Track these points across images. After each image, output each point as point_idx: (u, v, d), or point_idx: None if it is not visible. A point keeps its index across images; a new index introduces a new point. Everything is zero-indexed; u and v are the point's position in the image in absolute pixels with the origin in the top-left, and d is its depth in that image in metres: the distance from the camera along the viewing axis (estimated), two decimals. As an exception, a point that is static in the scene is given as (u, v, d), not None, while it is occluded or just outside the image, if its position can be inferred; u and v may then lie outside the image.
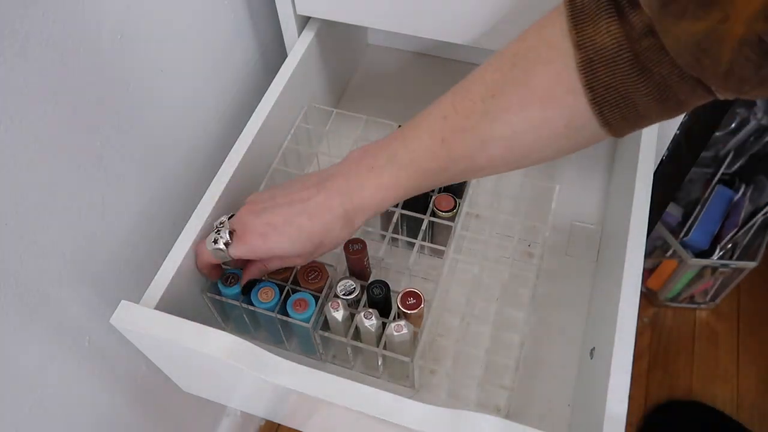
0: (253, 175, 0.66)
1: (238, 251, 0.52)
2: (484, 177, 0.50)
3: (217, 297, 0.58)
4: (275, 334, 0.63)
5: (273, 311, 0.57)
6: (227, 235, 0.52)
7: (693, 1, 0.32)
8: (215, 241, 0.52)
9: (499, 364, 0.62)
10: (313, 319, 0.57)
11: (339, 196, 0.49)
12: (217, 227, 0.53)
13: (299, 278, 0.59)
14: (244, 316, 0.60)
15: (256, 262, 0.56)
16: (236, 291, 0.58)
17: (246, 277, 0.57)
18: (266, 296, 0.58)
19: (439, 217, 0.64)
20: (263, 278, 0.59)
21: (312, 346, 0.62)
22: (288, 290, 0.59)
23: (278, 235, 0.50)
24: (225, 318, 0.65)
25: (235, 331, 0.66)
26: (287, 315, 0.57)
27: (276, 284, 0.59)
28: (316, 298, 0.58)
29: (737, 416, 1.28)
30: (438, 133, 0.46)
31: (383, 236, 0.64)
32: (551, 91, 0.40)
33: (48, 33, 0.46)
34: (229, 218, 0.54)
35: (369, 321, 0.56)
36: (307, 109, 0.73)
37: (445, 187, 0.66)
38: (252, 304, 0.58)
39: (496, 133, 0.43)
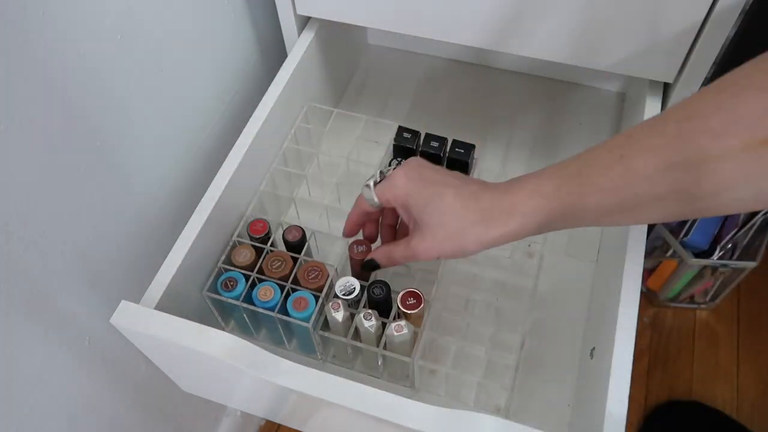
0: (253, 175, 0.66)
1: (381, 189, 0.50)
2: (668, 220, 0.42)
3: (217, 296, 0.58)
4: (276, 334, 0.63)
5: (273, 310, 0.57)
6: (379, 176, 0.51)
7: None
8: (369, 180, 0.51)
9: (499, 364, 0.62)
10: (313, 318, 0.57)
11: (491, 192, 0.45)
12: (377, 173, 0.52)
13: (299, 277, 0.59)
14: (245, 315, 0.60)
15: (390, 246, 0.52)
16: (235, 294, 0.58)
17: (372, 255, 0.54)
18: (266, 295, 0.58)
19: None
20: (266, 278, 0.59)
21: (312, 345, 0.62)
22: (288, 289, 0.59)
23: (421, 189, 0.47)
24: (226, 318, 0.65)
25: (236, 332, 0.66)
26: (287, 314, 0.57)
27: (276, 284, 0.59)
28: (317, 298, 0.58)
29: (737, 416, 1.28)
30: (617, 149, 0.41)
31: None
32: (760, 119, 0.35)
33: (48, 33, 0.46)
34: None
35: (368, 322, 0.56)
36: (307, 109, 0.73)
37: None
38: (253, 304, 0.58)
39: (686, 157, 0.37)
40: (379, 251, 0.54)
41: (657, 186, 0.39)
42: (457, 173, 0.49)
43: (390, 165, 0.52)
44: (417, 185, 0.47)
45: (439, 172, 0.49)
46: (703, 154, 0.37)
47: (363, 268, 0.55)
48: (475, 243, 0.46)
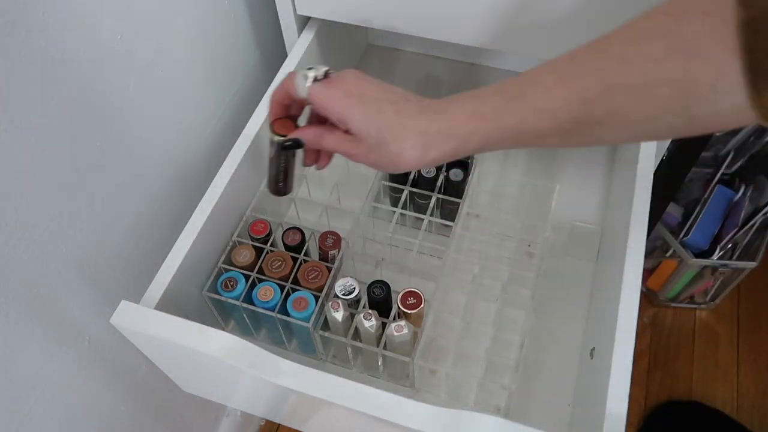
0: (252, 176, 0.66)
1: (317, 90, 0.47)
2: (596, 144, 0.43)
3: (217, 296, 0.58)
4: (276, 334, 0.63)
5: (273, 310, 0.57)
6: (323, 74, 0.48)
7: None
8: (309, 69, 0.47)
9: (499, 364, 0.62)
10: (313, 318, 0.57)
11: (431, 113, 0.45)
12: (319, 67, 0.48)
13: (299, 277, 0.59)
14: (245, 316, 0.60)
15: (317, 127, 0.50)
16: (235, 294, 0.58)
17: (300, 132, 0.51)
18: (266, 295, 0.58)
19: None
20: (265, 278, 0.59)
21: (312, 345, 0.62)
22: (288, 289, 0.59)
23: (360, 104, 0.46)
24: (226, 319, 0.65)
25: (236, 332, 0.66)
26: (287, 314, 0.57)
27: (276, 284, 0.59)
28: (316, 298, 0.58)
29: (737, 416, 1.28)
30: (560, 71, 0.41)
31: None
32: (702, 43, 0.35)
33: (48, 33, 0.46)
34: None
35: (368, 322, 0.56)
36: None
37: (444, 189, 0.66)
38: (253, 304, 0.58)
39: (627, 80, 0.38)
40: (308, 131, 0.50)
41: (596, 110, 0.39)
42: (395, 88, 0.48)
43: (329, 68, 0.49)
44: (356, 101, 0.46)
45: (380, 88, 0.47)
46: (643, 78, 0.37)
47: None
48: (410, 163, 0.45)
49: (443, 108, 0.45)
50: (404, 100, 0.46)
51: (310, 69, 0.48)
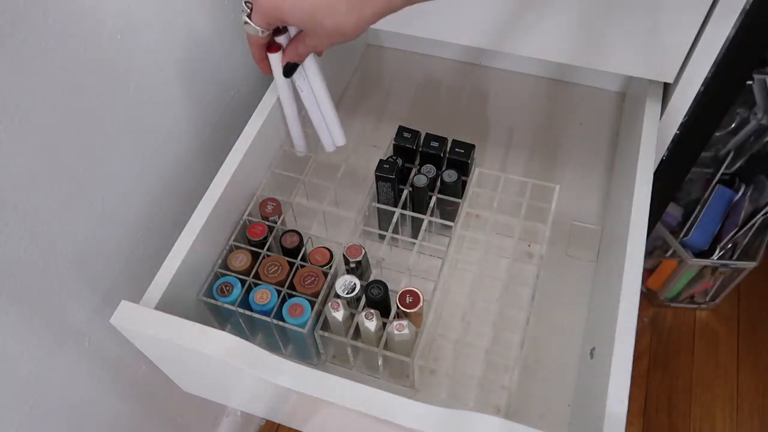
0: (252, 177, 0.66)
1: (255, 16, 0.52)
2: None
3: (212, 301, 0.58)
4: (272, 339, 0.62)
5: (269, 314, 0.57)
6: (248, 8, 0.52)
7: None
8: (243, 14, 0.53)
9: (499, 364, 0.62)
10: (308, 324, 0.56)
11: None
12: (243, 7, 0.53)
13: (295, 283, 0.59)
14: (240, 321, 0.60)
15: (292, 43, 0.56)
16: (231, 299, 0.58)
17: (285, 57, 0.57)
18: (263, 298, 0.57)
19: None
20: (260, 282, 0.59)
21: (308, 351, 0.61)
22: (284, 295, 0.58)
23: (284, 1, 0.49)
24: (222, 323, 0.64)
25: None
26: (283, 320, 0.57)
27: (273, 288, 0.58)
28: (312, 303, 0.57)
29: (737, 416, 1.27)
30: None
31: (383, 236, 0.64)
32: None
33: (48, 33, 0.46)
34: None
35: (370, 322, 0.56)
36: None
37: (441, 190, 0.66)
38: (249, 307, 0.57)
39: None
40: (288, 53, 0.57)
41: None
42: None
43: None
44: (280, 0, 0.48)
45: None
46: None
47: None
48: (352, 27, 0.48)
49: None
50: None
51: (243, 15, 0.53)
